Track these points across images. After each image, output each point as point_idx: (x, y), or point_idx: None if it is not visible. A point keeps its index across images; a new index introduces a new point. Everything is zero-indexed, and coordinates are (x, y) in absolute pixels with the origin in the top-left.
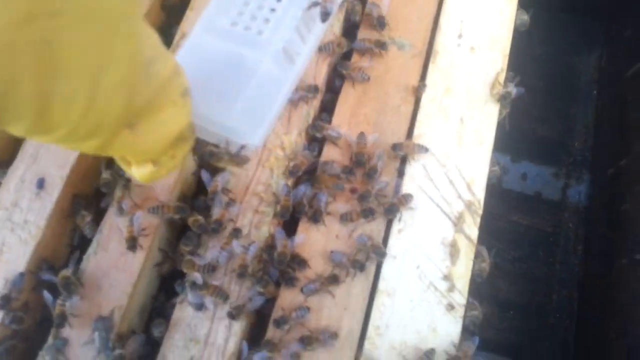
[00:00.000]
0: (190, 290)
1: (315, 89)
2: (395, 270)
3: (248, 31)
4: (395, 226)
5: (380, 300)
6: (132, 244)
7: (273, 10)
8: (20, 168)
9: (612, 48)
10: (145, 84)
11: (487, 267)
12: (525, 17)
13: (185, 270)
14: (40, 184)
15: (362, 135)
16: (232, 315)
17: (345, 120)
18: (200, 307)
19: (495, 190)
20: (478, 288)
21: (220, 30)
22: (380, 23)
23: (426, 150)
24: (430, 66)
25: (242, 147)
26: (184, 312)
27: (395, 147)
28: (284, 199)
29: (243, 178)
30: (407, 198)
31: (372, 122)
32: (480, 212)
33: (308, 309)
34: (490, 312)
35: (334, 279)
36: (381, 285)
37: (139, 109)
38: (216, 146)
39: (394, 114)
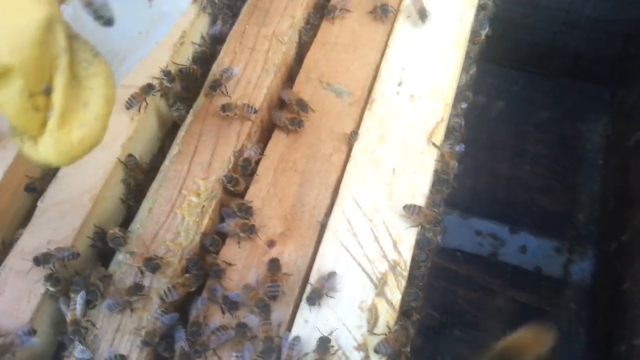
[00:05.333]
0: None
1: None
2: (305, 337)
3: None
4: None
5: None
6: None
7: None
8: None
9: (618, 114)
10: None
11: None
12: (473, 70)
13: None
14: None
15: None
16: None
17: (272, 166)
18: None
19: (490, 262)
20: None
21: None
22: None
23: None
24: (366, 113)
25: None
26: None
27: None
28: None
29: (152, 224)
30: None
31: (301, 170)
32: (406, 274)
33: None
34: None
35: None
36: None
37: None
38: None
39: (324, 163)
